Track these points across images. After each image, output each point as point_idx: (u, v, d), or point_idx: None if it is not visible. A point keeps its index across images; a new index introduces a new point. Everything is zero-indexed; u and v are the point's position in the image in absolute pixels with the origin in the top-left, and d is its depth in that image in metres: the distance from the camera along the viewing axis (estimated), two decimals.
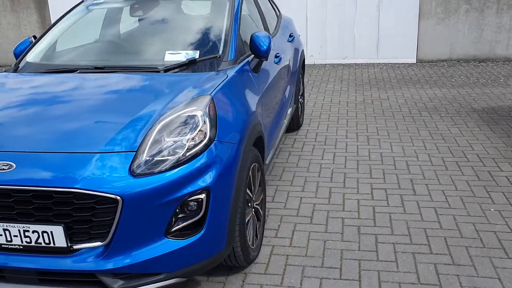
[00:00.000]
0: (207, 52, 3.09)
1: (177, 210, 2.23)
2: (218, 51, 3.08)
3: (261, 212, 3.06)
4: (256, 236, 2.95)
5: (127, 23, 3.49)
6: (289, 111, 4.59)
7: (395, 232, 3.19)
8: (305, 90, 6.94)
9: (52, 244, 2.17)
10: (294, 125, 5.18)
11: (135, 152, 2.20)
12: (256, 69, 3.23)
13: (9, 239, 2.19)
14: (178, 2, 3.60)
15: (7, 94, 2.74)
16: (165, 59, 3.03)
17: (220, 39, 3.17)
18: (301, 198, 3.73)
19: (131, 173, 2.14)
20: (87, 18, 3.58)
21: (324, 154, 4.59)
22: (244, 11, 3.71)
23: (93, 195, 2.09)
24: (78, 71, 2.96)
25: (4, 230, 2.18)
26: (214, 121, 2.41)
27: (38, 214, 2.15)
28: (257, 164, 2.91)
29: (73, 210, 2.13)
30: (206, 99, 2.47)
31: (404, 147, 4.68)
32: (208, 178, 2.28)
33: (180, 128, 2.32)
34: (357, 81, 7.55)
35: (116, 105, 2.53)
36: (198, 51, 3.09)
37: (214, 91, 2.57)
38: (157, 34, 3.36)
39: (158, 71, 2.89)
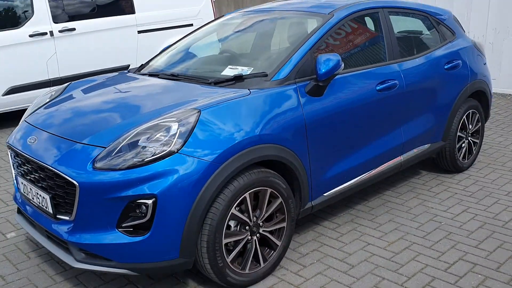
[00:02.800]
0: (260, 69, 3.09)
1: (126, 208, 2.43)
2: (269, 69, 3.04)
3: (275, 241, 2.91)
4: (259, 262, 2.85)
5: (229, 37, 3.75)
6: (424, 147, 4.02)
7: None
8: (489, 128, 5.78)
9: (47, 209, 2.68)
10: (450, 166, 4.45)
11: (104, 148, 2.50)
12: (315, 92, 3.03)
13: (32, 197, 2.81)
14: (280, 20, 3.64)
15: (98, 87, 3.39)
16: (222, 73, 3.18)
17: (279, 58, 3.11)
18: (348, 254, 3.30)
19: (93, 165, 2.46)
20: (212, 31, 3.99)
21: (453, 207, 3.84)
22: (345, 32, 3.48)
23: (61, 176, 2.51)
24: (159, 76, 3.40)
25: (30, 189, 2.81)
26: (187, 134, 2.48)
27: (41, 182, 2.70)
28: (271, 190, 2.80)
29: (55, 185, 2.59)
30: (188, 113, 2.56)
31: None
32: (158, 186, 2.40)
33: (154, 135, 2.50)
34: None
35: (132, 107, 2.86)
36: (253, 68, 3.12)
37: (209, 107, 2.62)
38: (239, 48, 3.51)
39: (209, 83, 3.07)
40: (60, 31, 6.69)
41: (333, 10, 3.46)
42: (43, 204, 2.71)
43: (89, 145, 2.56)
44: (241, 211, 2.72)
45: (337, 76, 3.19)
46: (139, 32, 7.51)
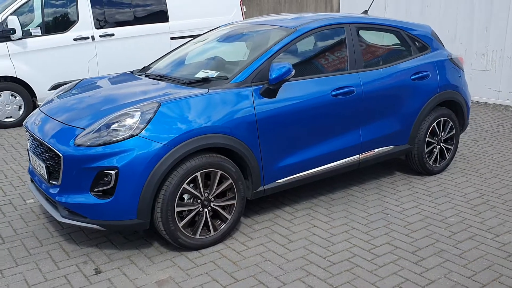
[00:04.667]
0: (225, 73, 3.73)
1: (97, 176, 3.15)
2: (230, 74, 3.67)
3: (225, 215, 3.52)
4: (209, 231, 3.47)
5: (212, 46, 4.42)
6: (387, 148, 4.48)
7: None
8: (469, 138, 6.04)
9: (44, 176, 3.45)
10: (420, 169, 4.87)
11: (83, 129, 3.23)
12: (268, 94, 3.62)
13: (36, 167, 3.60)
14: (255, 32, 4.28)
15: (101, 83, 4.16)
16: (196, 75, 3.86)
17: (242, 64, 3.74)
18: (287, 229, 3.84)
19: (74, 141, 3.19)
20: (202, 40, 4.68)
21: (407, 203, 4.28)
22: (310, 45, 4.05)
23: (52, 149, 3.26)
24: (149, 76, 4.12)
25: (35, 161, 3.59)
26: (147, 122, 3.16)
27: (41, 155, 3.48)
28: (221, 172, 3.42)
29: (49, 156, 3.36)
30: (151, 105, 3.25)
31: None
32: (120, 160, 3.09)
33: (123, 121, 3.19)
34: None
35: (115, 99, 3.57)
36: (219, 72, 3.77)
37: (168, 102, 3.29)
38: (216, 55, 4.17)
39: (184, 83, 3.75)
40: (100, 36, 7.63)
41: (298, 25, 4.04)
42: (42, 172, 3.48)
43: (74, 127, 3.31)
44: (195, 187, 3.36)
45: (292, 81, 3.78)
46: (172, 38, 8.33)
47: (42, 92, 7.30)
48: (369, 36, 4.56)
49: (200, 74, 3.85)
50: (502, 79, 8.27)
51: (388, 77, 4.39)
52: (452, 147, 5.06)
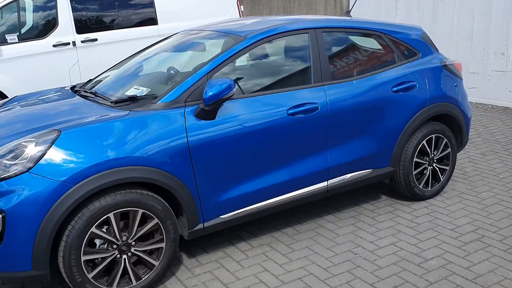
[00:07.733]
0: (156, 90, 3.17)
1: None
2: (160, 91, 3.11)
3: (151, 261, 2.97)
4: (131, 280, 2.93)
5: (153, 58, 3.86)
6: (363, 172, 3.84)
7: None
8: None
9: None
10: (407, 193, 4.19)
11: None
12: (204, 116, 3.04)
13: None
14: (201, 40, 3.69)
15: (26, 103, 3.64)
16: (125, 93, 3.30)
17: (176, 80, 3.17)
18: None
19: None
20: (147, 52, 4.12)
21: (384, 239, 3.63)
22: (260, 58, 3.46)
23: None
24: (80, 94, 3.60)
25: None
26: (40, 155, 2.63)
27: None
28: (143, 211, 2.87)
29: None
30: (49, 134, 2.71)
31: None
32: (7, 202, 2.58)
33: (15, 153, 2.68)
34: None
35: (23, 124, 3.04)
36: (150, 89, 3.21)
37: (72, 128, 2.75)
38: (155, 69, 3.61)
39: (111, 103, 3.20)
40: (82, 41, 7.19)
41: (249, 32, 3.44)
42: None
43: None
44: (108, 230, 2.81)
45: (237, 99, 3.19)
46: None
47: None
48: (343, 43, 3.90)
49: (130, 92, 3.30)
50: None
51: (362, 90, 3.73)
52: (447, 168, 4.35)
